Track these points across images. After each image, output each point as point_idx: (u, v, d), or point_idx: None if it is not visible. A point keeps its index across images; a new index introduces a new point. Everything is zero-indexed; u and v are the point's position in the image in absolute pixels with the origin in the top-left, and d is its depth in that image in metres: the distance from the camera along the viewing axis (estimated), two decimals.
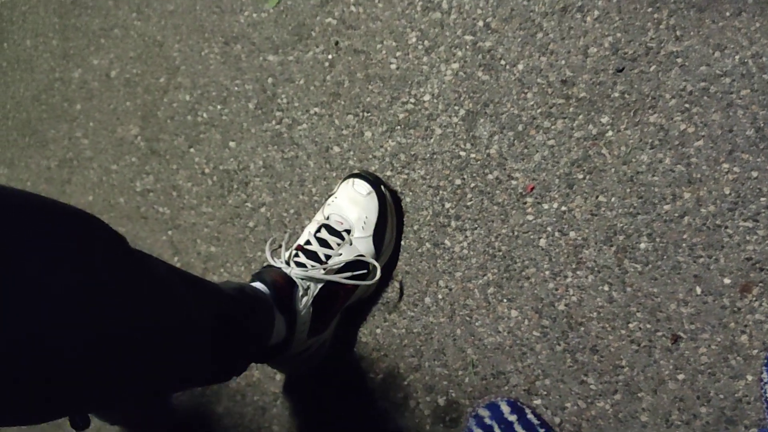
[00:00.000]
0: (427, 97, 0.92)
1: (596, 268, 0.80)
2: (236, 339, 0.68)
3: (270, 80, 1.05)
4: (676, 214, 0.77)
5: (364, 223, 0.86)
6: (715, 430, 0.74)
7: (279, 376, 0.99)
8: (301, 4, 1.05)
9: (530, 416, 0.80)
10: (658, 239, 0.77)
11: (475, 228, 0.87)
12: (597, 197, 0.81)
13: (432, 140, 0.91)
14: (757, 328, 0.73)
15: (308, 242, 0.84)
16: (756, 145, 0.74)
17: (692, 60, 0.78)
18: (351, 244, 0.85)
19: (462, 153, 0.89)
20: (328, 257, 0.83)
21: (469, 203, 0.88)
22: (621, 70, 0.81)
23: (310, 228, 0.87)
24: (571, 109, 0.83)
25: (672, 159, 0.78)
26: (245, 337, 0.70)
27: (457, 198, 0.88)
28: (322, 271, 0.81)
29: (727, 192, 0.75)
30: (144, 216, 1.15)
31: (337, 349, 0.93)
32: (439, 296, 0.88)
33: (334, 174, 0.97)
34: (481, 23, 0.90)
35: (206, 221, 1.08)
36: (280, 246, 0.84)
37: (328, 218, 0.87)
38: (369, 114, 0.96)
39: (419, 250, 0.90)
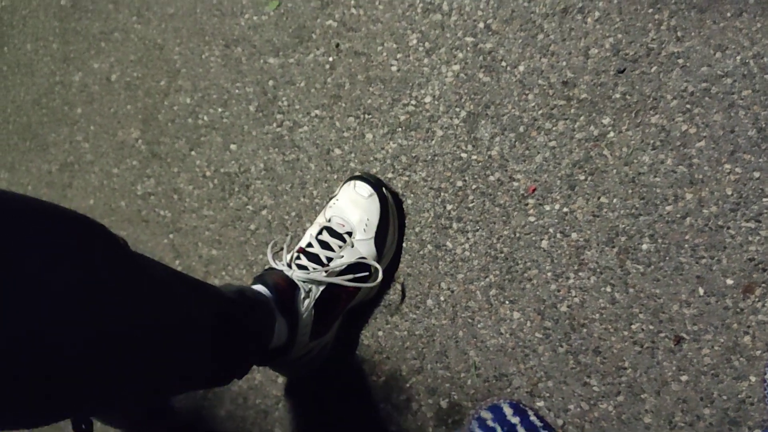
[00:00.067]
0: (428, 99, 0.92)
1: (598, 270, 0.80)
2: (236, 337, 0.68)
3: (271, 83, 1.05)
4: (678, 215, 0.77)
5: (366, 225, 0.86)
6: None
7: (281, 379, 0.98)
8: (301, 7, 1.05)
9: (533, 418, 0.80)
10: (660, 240, 0.77)
11: (477, 230, 0.87)
12: (599, 198, 0.81)
13: (433, 142, 0.91)
14: (760, 328, 0.73)
15: (310, 245, 0.84)
16: (758, 146, 0.74)
17: (693, 61, 0.78)
18: (353, 246, 0.85)
19: (463, 155, 0.89)
20: (329, 260, 0.83)
21: (470, 205, 0.88)
22: (622, 71, 0.81)
23: (312, 230, 0.86)
24: (572, 111, 0.83)
25: (674, 160, 0.77)
26: (245, 336, 0.70)
27: (459, 200, 0.88)
28: (324, 274, 0.81)
29: (729, 193, 0.75)
30: (145, 219, 1.15)
31: (339, 351, 0.93)
32: (441, 298, 0.88)
33: (336, 176, 0.97)
34: (481, 25, 0.90)
35: (207, 224, 1.08)
36: (282, 249, 0.84)
37: (329, 220, 0.86)
38: (370, 116, 0.96)
39: (421, 252, 0.90)
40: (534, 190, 0.84)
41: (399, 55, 0.95)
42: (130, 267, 0.53)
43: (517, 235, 0.84)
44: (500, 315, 0.85)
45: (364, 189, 0.87)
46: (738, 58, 0.76)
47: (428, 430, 0.88)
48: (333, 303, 0.84)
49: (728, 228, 0.74)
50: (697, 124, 0.77)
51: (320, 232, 0.85)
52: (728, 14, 0.77)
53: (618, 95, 0.81)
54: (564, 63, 0.84)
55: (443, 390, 0.87)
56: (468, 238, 0.87)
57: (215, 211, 1.08)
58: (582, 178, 0.82)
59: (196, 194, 1.10)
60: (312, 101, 1.01)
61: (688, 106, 0.77)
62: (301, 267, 0.82)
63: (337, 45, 1.00)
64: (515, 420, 0.79)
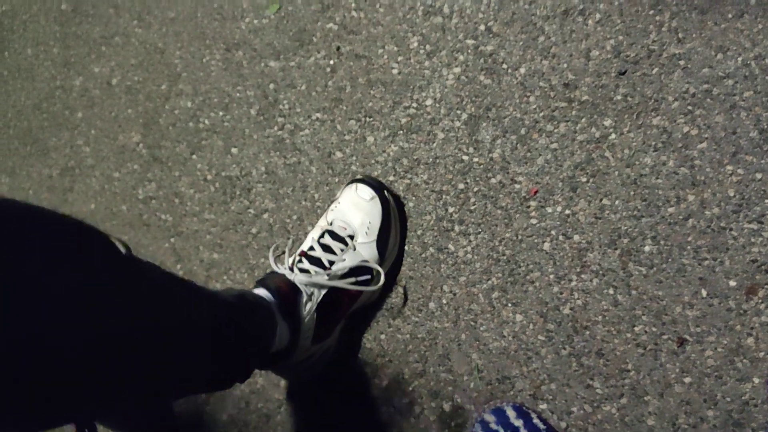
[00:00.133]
0: (429, 102, 0.92)
1: (601, 272, 0.80)
2: (236, 339, 0.68)
3: (272, 86, 1.05)
4: (681, 217, 0.77)
5: (368, 228, 0.86)
6: None
7: (283, 383, 0.98)
8: (302, 10, 1.05)
9: (536, 421, 0.80)
10: (662, 242, 0.77)
11: (479, 232, 0.87)
12: (601, 200, 0.80)
13: (434, 145, 0.91)
14: (763, 330, 0.72)
15: (312, 248, 0.84)
16: (760, 147, 0.74)
17: (695, 62, 0.78)
18: (354, 249, 0.85)
19: (465, 157, 0.89)
20: (331, 263, 0.83)
21: (472, 207, 0.87)
22: (623, 73, 0.81)
23: (314, 234, 0.86)
24: (573, 113, 0.83)
25: (675, 161, 0.77)
26: (245, 340, 0.70)
27: (461, 202, 0.88)
28: (326, 277, 0.81)
29: (732, 194, 0.75)
30: (146, 223, 1.15)
31: (342, 355, 0.93)
32: (444, 301, 0.88)
33: (337, 179, 0.97)
34: (482, 27, 0.90)
35: (209, 228, 1.08)
36: (284, 252, 0.84)
37: (331, 224, 0.86)
38: (371, 119, 0.96)
39: (423, 255, 0.90)
40: (536, 192, 0.84)
41: (400, 58, 0.95)
42: (129, 270, 0.54)
43: (519, 237, 0.84)
44: (503, 318, 0.84)
45: (365, 192, 0.87)
46: (739, 59, 0.76)
47: None
48: (335, 306, 0.84)
49: (731, 229, 0.74)
50: (699, 126, 0.77)
51: (322, 236, 0.85)
52: (729, 15, 0.77)
53: (619, 97, 0.81)
54: (565, 65, 0.84)
55: (446, 393, 0.87)
56: (470, 241, 0.87)
57: (216, 215, 1.08)
58: (584, 180, 0.82)
59: (197, 198, 1.10)
60: (313, 104, 1.01)
61: (690, 107, 0.77)
62: (303, 271, 0.82)
63: (338, 48, 1.00)
64: (518, 423, 0.79)
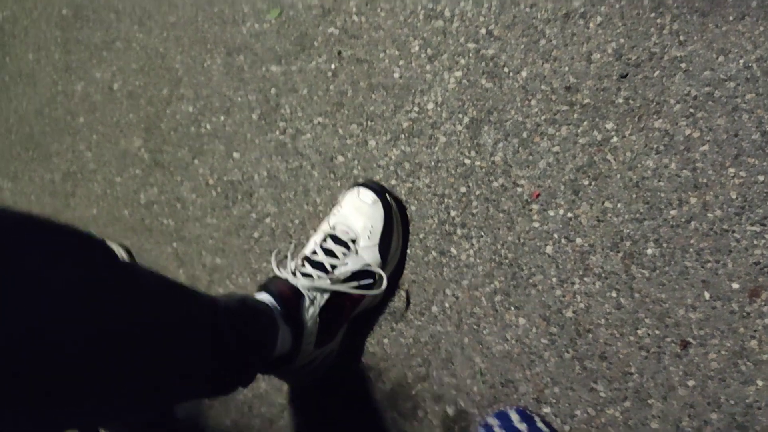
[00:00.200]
0: (430, 106, 0.92)
1: (603, 275, 0.80)
2: (237, 345, 0.68)
3: (273, 90, 1.05)
4: (683, 219, 0.77)
5: (370, 232, 0.86)
6: None
7: (286, 388, 0.98)
8: (303, 15, 1.05)
9: (540, 424, 0.80)
10: (665, 245, 0.77)
11: (481, 236, 0.87)
12: (603, 203, 0.80)
13: (436, 148, 0.91)
14: (766, 332, 0.72)
15: (314, 252, 0.84)
16: (762, 149, 0.74)
17: (696, 65, 0.78)
18: (357, 253, 0.85)
19: (467, 161, 0.89)
20: (334, 267, 0.83)
21: (474, 211, 0.87)
22: (625, 76, 0.81)
23: (316, 238, 0.86)
24: (575, 116, 0.83)
25: (677, 164, 0.77)
26: (246, 344, 0.70)
27: (463, 206, 0.88)
28: (329, 281, 0.81)
29: (734, 196, 0.75)
30: (149, 228, 1.15)
31: (345, 359, 0.93)
32: (446, 305, 0.88)
33: (339, 183, 0.97)
34: (483, 31, 0.90)
35: (211, 233, 1.08)
36: (286, 257, 0.84)
37: (333, 228, 0.86)
38: (373, 123, 0.96)
39: (425, 259, 0.90)
40: (538, 195, 0.84)
41: (401, 62, 0.95)
42: (130, 265, 0.54)
43: (522, 240, 0.84)
44: (506, 321, 0.84)
45: (367, 196, 0.87)
46: (741, 61, 0.76)
47: None
48: (338, 311, 0.84)
49: (733, 232, 0.74)
50: (701, 128, 0.77)
51: (324, 240, 0.85)
52: (730, 18, 0.77)
53: (621, 100, 0.81)
54: (566, 68, 0.84)
55: (449, 397, 0.87)
56: (472, 244, 0.87)
57: (218, 220, 1.08)
58: (586, 183, 0.82)
59: (199, 203, 1.10)
60: (315, 109, 1.01)
61: (692, 110, 0.77)
62: (305, 275, 0.82)
63: (339, 52, 1.00)
64: (522, 426, 0.79)
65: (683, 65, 0.78)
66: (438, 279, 0.89)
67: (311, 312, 0.80)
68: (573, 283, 0.81)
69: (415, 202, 0.91)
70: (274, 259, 0.84)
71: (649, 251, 0.78)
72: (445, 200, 0.89)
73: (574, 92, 0.83)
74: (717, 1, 0.78)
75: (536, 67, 0.86)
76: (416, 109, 0.93)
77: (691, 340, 0.75)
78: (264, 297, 0.78)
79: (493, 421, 0.80)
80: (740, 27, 0.76)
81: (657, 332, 0.77)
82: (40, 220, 0.47)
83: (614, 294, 0.79)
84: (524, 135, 0.86)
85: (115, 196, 1.20)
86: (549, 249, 0.83)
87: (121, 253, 1.13)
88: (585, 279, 0.81)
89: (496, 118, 0.87)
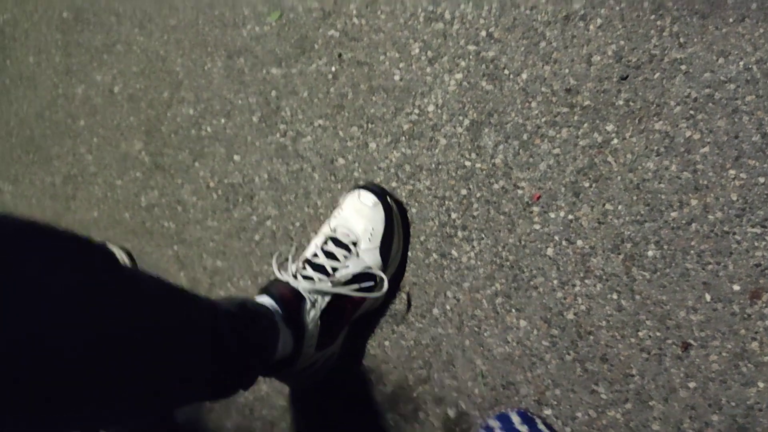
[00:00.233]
0: (431, 108, 0.92)
1: (604, 277, 0.80)
2: (238, 349, 0.68)
3: (273, 93, 1.06)
4: (684, 221, 0.77)
5: (371, 234, 0.86)
6: None
7: (287, 390, 0.98)
8: (303, 17, 1.05)
9: (541, 426, 0.80)
10: (666, 246, 0.77)
11: (482, 238, 0.87)
12: (604, 205, 0.81)
13: (437, 150, 0.91)
14: (767, 334, 0.72)
15: (315, 255, 0.84)
16: (762, 151, 0.74)
17: (696, 67, 0.78)
18: (358, 256, 0.85)
19: (467, 163, 0.89)
20: (335, 270, 0.83)
21: (475, 213, 0.88)
22: (625, 78, 0.81)
23: (317, 240, 0.86)
24: (575, 118, 0.83)
25: (678, 166, 0.77)
26: (247, 347, 0.70)
27: (463, 208, 0.88)
28: (330, 284, 0.81)
29: (735, 198, 0.75)
30: (149, 231, 1.15)
31: (346, 361, 0.93)
32: (447, 307, 0.88)
33: (340, 186, 0.97)
34: (483, 33, 0.90)
35: (212, 235, 1.08)
36: (287, 259, 0.84)
37: (334, 230, 0.86)
38: (373, 125, 0.96)
39: (426, 261, 0.90)
40: (538, 197, 0.84)
41: (401, 65, 0.95)
42: (129, 270, 0.54)
43: (523, 242, 0.84)
44: (507, 323, 0.84)
45: (368, 198, 0.87)
46: (741, 63, 0.76)
47: None
48: (339, 313, 0.84)
49: (734, 234, 0.74)
50: (701, 130, 0.77)
51: (325, 242, 0.85)
52: (730, 20, 0.77)
53: (621, 102, 0.81)
54: (567, 70, 0.84)
55: (450, 399, 0.87)
56: (473, 247, 0.87)
57: (219, 222, 1.08)
58: (586, 185, 0.82)
59: (200, 205, 1.10)
60: (315, 111, 1.01)
61: (692, 112, 0.77)
62: (306, 278, 0.82)
63: (340, 55, 1.00)
64: (523, 429, 0.79)
65: (683, 67, 0.78)
66: (439, 281, 0.89)
67: (312, 315, 0.80)
68: (574, 285, 0.81)
69: (416, 204, 0.92)
70: (275, 261, 0.84)
71: (650, 253, 0.78)
72: (446, 202, 0.89)
73: (575, 94, 0.83)
74: (717, 3, 0.78)
75: (536, 70, 0.86)
76: (417, 111, 0.93)
77: (692, 341, 0.75)
78: (265, 300, 0.78)
79: (495, 424, 0.80)
80: (740, 29, 0.76)
81: (658, 334, 0.77)
82: (39, 226, 0.47)
83: (615, 296, 0.79)
84: (525, 137, 0.86)
85: (115, 199, 1.20)
86: (550, 251, 0.83)
87: (122, 256, 1.13)
88: (586, 281, 0.81)
89: (496, 120, 0.88)
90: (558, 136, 0.84)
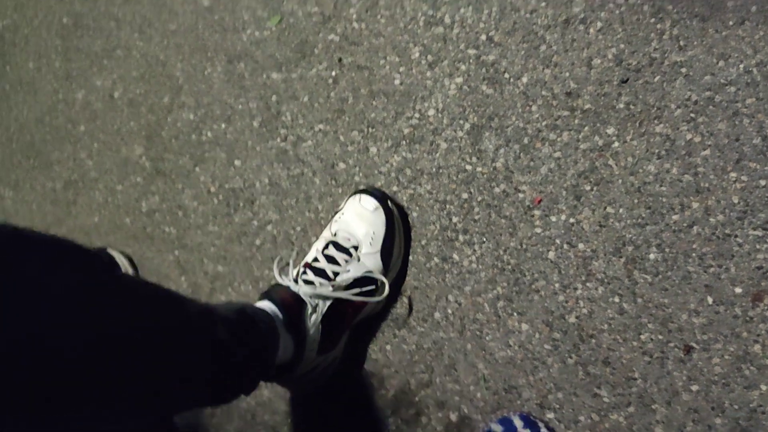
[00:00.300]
0: (431, 112, 0.92)
1: (606, 280, 0.80)
2: (237, 354, 0.68)
3: (274, 98, 1.06)
4: (685, 224, 0.77)
5: (372, 238, 0.86)
6: None
7: (289, 395, 0.98)
8: (303, 22, 1.05)
9: (543, 430, 0.79)
10: (667, 249, 0.77)
11: (483, 242, 0.87)
12: (605, 208, 0.81)
13: (437, 154, 0.91)
14: None
15: (316, 259, 0.84)
16: (763, 154, 0.74)
17: (696, 70, 0.78)
18: (359, 260, 0.85)
19: (468, 167, 0.89)
20: (336, 274, 0.83)
21: (476, 217, 0.87)
22: (625, 81, 0.81)
23: (318, 245, 0.86)
24: (576, 121, 0.83)
25: (679, 169, 0.77)
26: (247, 353, 0.70)
27: (465, 212, 0.88)
28: (331, 289, 0.81)
29: (736, 201, 0.75)
30: (150, 236, 1.15)
31: (347, 366, 0.93)
32: (449, 311, 0.88)
33: (340, 190, 0.97)
34: (484, 37, 0.90)
35: (213, 240, 1.08)
36: (288, 264, 0.84)
37: (335, 235, 0.86)
38: (374, 130, 0.96)
39: (427, 265, 0.90)
40: (540, 201, 0.84)
41: (402, 69, 0.95)
42: (127, 275, 0.54)
43: (524, 246, 0.84)
44: (508, 327, 0.84)
45: (369, 202, 0.87)
46: (741, 66, 0.76)
47: None
48: (340, 318, 0.84)
49: (735, 236, 0.74)
50: (702, 133, 0.77)
51: (326, 247, 0.85)
52: (730, 23, 0.77)
53: (622, 105, 0.81)
54: (567, 74, 0.84)
55: (452, 403, 0.87)
56: (474, 250, 0.87)
57: (220, 227, 1.08)
58: (588, 188, 0.82)
59: (200, 210, 1.10)
60: (315, 116, 1.01)
61: (693, 114, 0.77)
62: (307, 282, 0.82)
63: (340, 59, 1.01)
64: None
65: (684, 70, 0.78)
66: (440, 285, 0.89)
67: (313, 319, 0.80)
68: (576, 289, 0.81)
69: (417, 208, 0.92)
70: (275, 266, 0.84)
71: (652, 256, 0.78)
72: (447, 206, 0.89)
73: (575, 98, 0.83)
74: (717, 6, 0.78)
75: (537, 73, 0.86)
76: (417, 115, 0.93)
77: (694, 344, 0.75)
78: (266, 305, 0.78)
79: (497, 428, 0.80)
80: (740, 32, 0.76)
81: (660, 337, 0.77)
82: (37, 231, 0.47)
83: (617, 299, 0.79)
84: (525, 141, 0.86)
85: (116, 204, 1.20)
86: (551, 254, 0.83)
87: (123, 262, 1.13)
88: (588, 284, 0.81)
89: (497, 124, 0.88)
90: (559, 139, 0.84)
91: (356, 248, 0.85)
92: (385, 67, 0.97)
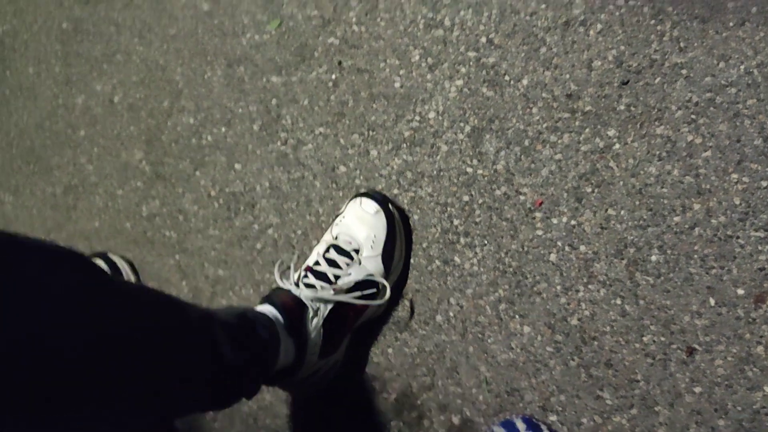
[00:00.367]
0: (432, 115, 0.92)
1: (608, 282, 0.80)
2: (238, 359, 0.68)
3: (274, 101, 1.06)
4: (687, 226, 0.76)
5: (373, 242, 0.86)
6: None
7: (291, 399, 0.98)
8: (302, 25, 1.05)
9: None
10: (669, 251, 0.77)
11: (485, 244, 0.87)
12: (606, 210, 0.80)
13: (438, 157, 0.91)
14: None
15: (317, 263, 0.84)
16: (764, 155, 0.74)
17: (697, 71, 0.78)
18: (360, 263, 0.85)
19: (469, 169, 0.89)
20: (337, 277, 0.83)
21: (477, 219, 0.87)
22: (626, 83, 0.81)
23: (319, 248, 0.86)
24: (577, 123, 0.83)
25: (680, 170, 0.77)
26: (247, 357, 0.70)
27: (466, 214, 0.88)
28: (332, 292, 0.81)
29: (737, 202, 0.74)
30: (151, 240, 1.15)
31: (349, 369, 0.93)
32: (451, 314, 0.88)
33: (341, 193, 0.97)
34: (484, 39, 0.90)
35: (213, 244, 1.08)
36: (289, 267, 0.84)
37: (336, 238, 0.86)
38: (374, 133, 0.96)
39: (429, 268, 0.90)
40: (541, 203, 0.84)
41: (402, 72, 0.95)
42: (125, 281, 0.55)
43: (525, 248, 0.84)
44: (510, 329, 0.84)
45: (370, 206, 0.87)
46: (742, 67, 0.76)
47: None
48: (341, 321, 0.83)
49: (737, 238, 0.74)
50: (703, 134, 0.77)
51: (327, 250, 0.85)
52: (731, 24, 0.77)
53: (622, 107, 0.81)
54: (567, 76, 0.84)
55: (455, 406, 0.87)
56: (476, 253, 0.87)
57: (221, 231, 1.08)
58: (589, 190, 0.82)
59: (201, 214, 1.10)
60: (316, 119, 1.01)
61: (693, 116, 0.77)
62: (308, 286, 0.82)
63: (340, 62, 1.01)
64: None
65: (684, 72, 0.78)
66: (442, 288, 0.89)
67: (315, 323, 0.80)
68: (577, 291, 0.81)
69: (418, 211, 0.91)
70: (277, 270, 0.83)
71: (654, 258, 0.78)
72: (448, 209, 0.89)
73: (576, 100, 0.83)
74: (717, 7, 0.78)
75: (537, 75, 0.86)
76: (417, 118, 0.93)
77: (696, 346, 0.75)
78: (267, 309, 0.78)
79: (500, 430, 0.80)
80: (740, 33, 0.76)
81: (662, 339, 0.76)
82: (34, 237, 0.48)
83: (619, 301, 0.79)
84: (526, 143, 0.86)
85: (116, 208, 1.20)
86: (553, 257, 0.83)
87: (124, 266, 1.13)
88: (589, 286, 0.80)
89: (497, 126, 0.88)
90: (559, 141, 0.84)
91: (357, 251, 0.85)
92: (385, 70, 0.97)
